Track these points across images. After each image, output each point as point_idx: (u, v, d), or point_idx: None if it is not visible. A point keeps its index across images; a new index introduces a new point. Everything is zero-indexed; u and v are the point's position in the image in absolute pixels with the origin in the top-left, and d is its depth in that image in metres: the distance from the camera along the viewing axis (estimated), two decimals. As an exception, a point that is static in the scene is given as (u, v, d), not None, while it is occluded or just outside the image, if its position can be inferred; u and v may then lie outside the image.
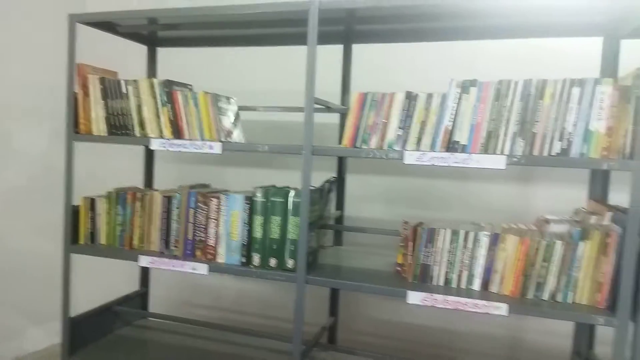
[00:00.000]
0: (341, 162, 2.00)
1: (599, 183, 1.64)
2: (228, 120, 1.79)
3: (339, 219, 2.00)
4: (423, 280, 1.48)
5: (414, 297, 1.38)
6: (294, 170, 2.27)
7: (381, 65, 2.12)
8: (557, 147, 1.31)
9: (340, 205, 2.00)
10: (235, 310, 2.49)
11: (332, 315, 2.00)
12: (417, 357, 2.13)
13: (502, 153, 1.35)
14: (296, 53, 1.95)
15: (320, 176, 1.93)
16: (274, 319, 2.39)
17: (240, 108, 1.92)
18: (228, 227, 1.62)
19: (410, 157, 1.40)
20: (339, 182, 2.00)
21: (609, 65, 1.61)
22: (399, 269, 1.56)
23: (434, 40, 1.85)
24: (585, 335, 1.69)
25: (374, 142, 1.50)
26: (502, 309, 1.29)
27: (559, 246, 1.33)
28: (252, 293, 2.43)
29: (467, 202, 2.08)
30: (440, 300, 1.35)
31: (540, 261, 1.35)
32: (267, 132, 2.32)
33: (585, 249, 1.31)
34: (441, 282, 1.46)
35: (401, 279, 1.51)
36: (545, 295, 1.35)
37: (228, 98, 1.83)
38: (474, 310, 1.33)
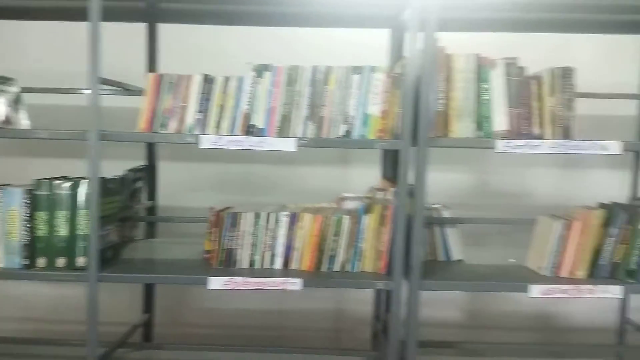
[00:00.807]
0: (151, 149, 1.89)
1: (389, 162, 1.82)
2: (4, 105, 1.55)
3: (152, 210, 1.89)
4: (228, 264, 1.48)
5: (215, 283, 1.37)
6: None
7: (193, 48, 2.05)
8: (342, 130, 1.41)
9: (152, 195, 1.89)
10: (52, 320, 2.21)
11: (147, 312, 1.89)
12: (244, 341, 2.14)
13: (294, 136, 1.41)
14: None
15: (130, 165, 1.79)
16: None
17: (24, 90, 1.67)
18: (5, 226, 1.41)
19: (207, 141, 1.37)
20: (150, 170, 1.88)
21: (396, 55, 1.79)
22: (206, 256, 1.54)
23: (239, 25, 1.85)
24: (383, 301, 1.88)
25: (173, 126, 1.45)
26: (297, 283, 1.36)
27: (346, 221, 1.44)
28: (70, 299, 2.17)
29: (290, 186, 2.15)
30: (240, 283, 1.37)
31: (332, 236, 1.45)
32: (69, 118, 2.07)
33: (369, 222, 1.44)
34: (246, 265, 1.48)
35: (208, 266, 1.48)
36: (337, 267, 1.46)
37: (6, 79, 1.58)
38: (273, 288, 1.37)
